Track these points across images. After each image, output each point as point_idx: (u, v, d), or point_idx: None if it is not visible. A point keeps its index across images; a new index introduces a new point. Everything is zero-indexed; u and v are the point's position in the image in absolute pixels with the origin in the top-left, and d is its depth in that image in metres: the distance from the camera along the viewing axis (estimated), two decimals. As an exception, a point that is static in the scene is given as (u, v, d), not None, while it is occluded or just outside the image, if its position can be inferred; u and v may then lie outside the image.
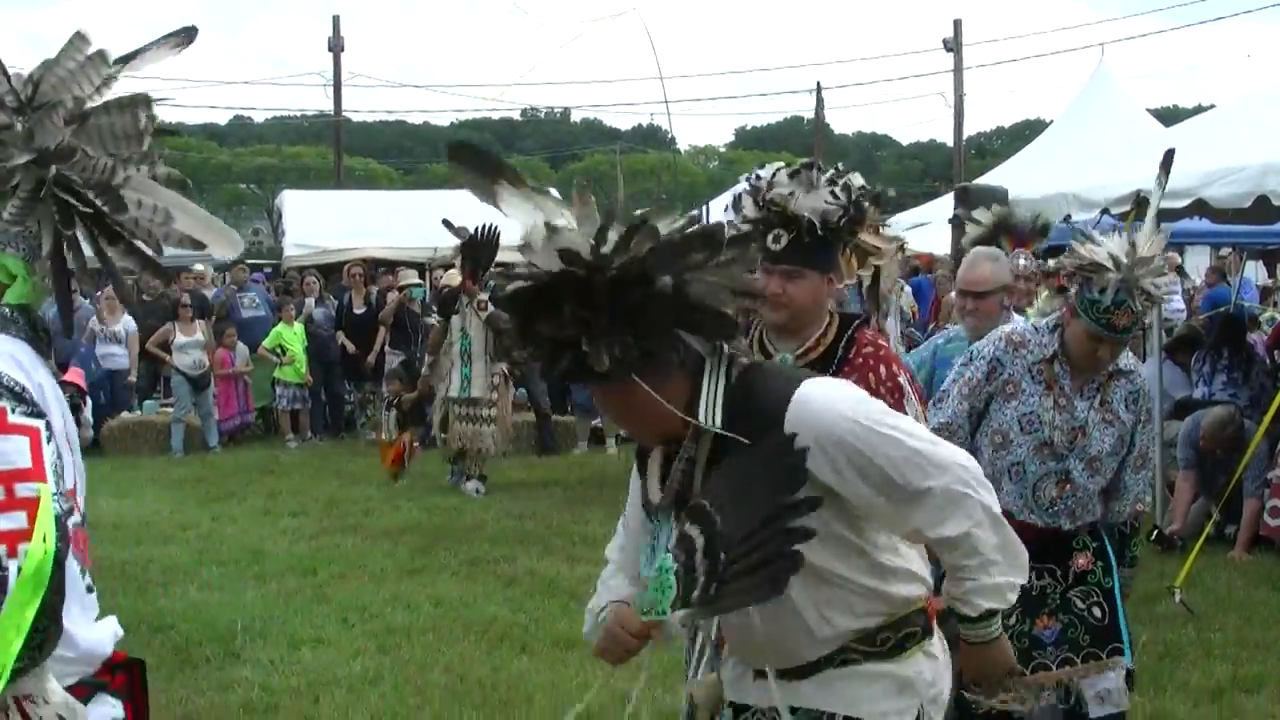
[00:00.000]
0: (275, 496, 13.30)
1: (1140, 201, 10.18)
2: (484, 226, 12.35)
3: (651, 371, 2.85)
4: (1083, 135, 15.62)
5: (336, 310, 18.09)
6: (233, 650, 7.92)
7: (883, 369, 4.03)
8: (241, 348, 17.28)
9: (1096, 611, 5.19)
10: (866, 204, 4.12)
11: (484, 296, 12.64)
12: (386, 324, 17.09)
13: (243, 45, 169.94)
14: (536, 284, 2.75)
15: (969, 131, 46.72)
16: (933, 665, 3.21)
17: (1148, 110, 19.91)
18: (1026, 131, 55.52)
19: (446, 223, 12.91)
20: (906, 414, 3.73)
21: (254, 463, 15.69)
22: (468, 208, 16.84)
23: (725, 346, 2.99)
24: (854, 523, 3.04)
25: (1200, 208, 10.34)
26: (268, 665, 7.69)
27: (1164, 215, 11.18)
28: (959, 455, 3.02)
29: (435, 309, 14.48)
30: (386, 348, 16.98)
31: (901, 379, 4.04)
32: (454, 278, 13.34)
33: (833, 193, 4.01)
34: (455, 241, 13.03)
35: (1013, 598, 3.07)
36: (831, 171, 4.10)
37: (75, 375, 16.56)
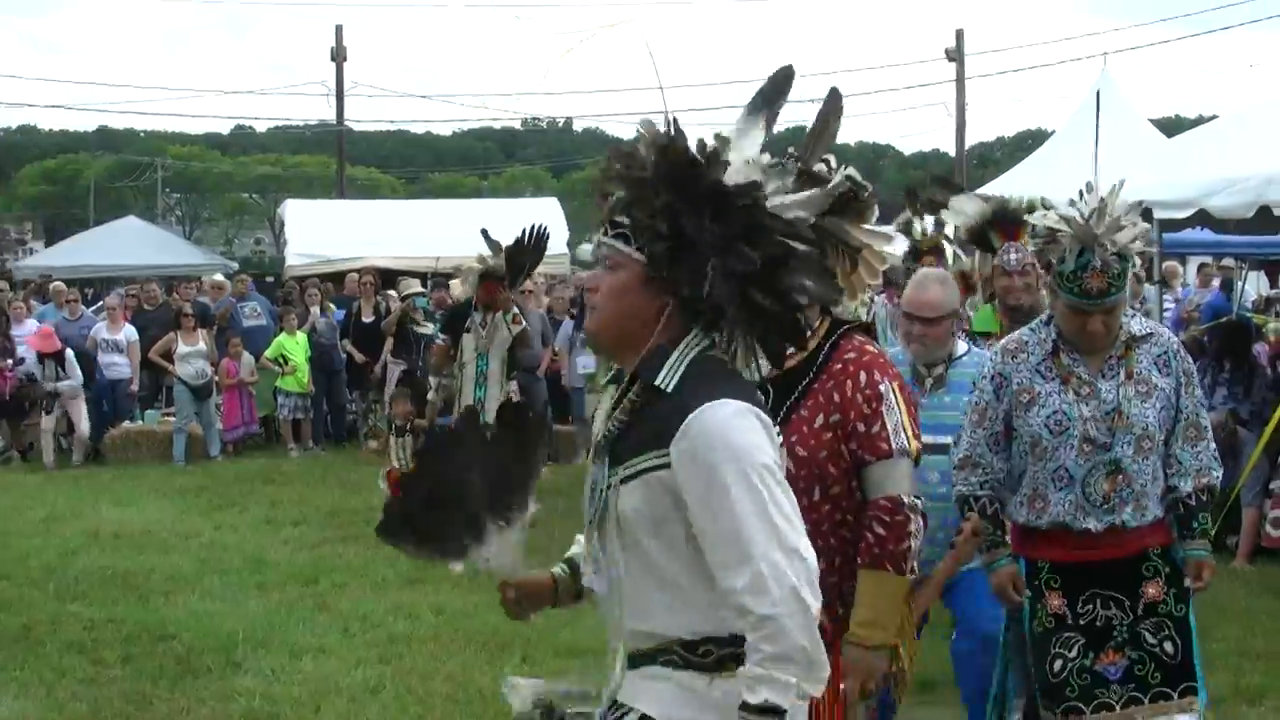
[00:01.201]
0: (277, 506, 13.29)
1: (1144, 212, 10.19)
2: (533, 228, 11.25)
3: (660, 269, 2.88)
4: (1085, 145, 15.63)
5: (344, 319, 18.08)
6: (234, 659, 7.91)
7: (863, 375, 3.87)
8: (246, 357, 17.27)
9: (1168, 646, 4.81)
10: (845, 193, 3.70)
11: (516, 311, 11.78)
12: (389, 333, 17.07)
13: (245, 54, 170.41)
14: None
15: (971, 141, 46.68)
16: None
17: (1150, 120, 19.94)
18: (1029, 141, 55.54)
19: (484, 233, 11.71)
20: (885, 422, 3.86)
21: (256, 472, 15.69)
22: (470, 217, 16.77)
23: (724, 330, 2.92)
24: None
25: (1202, 218, 10.36)
26: (269, 674, 7.68)
27: (1166, 225, 11.25)
28: (804, 544, 2.83)
29: (440, 327, 12.96)
30: (389, 357, 16.97)
31: (884, 386, 3.86)
32: (459, 290, 12.97)
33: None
34: (458, 253, 12.78)
35: (797, 705, 2.83)
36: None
37: (40, 339, 16.53)
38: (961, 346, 5.83)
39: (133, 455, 16.68)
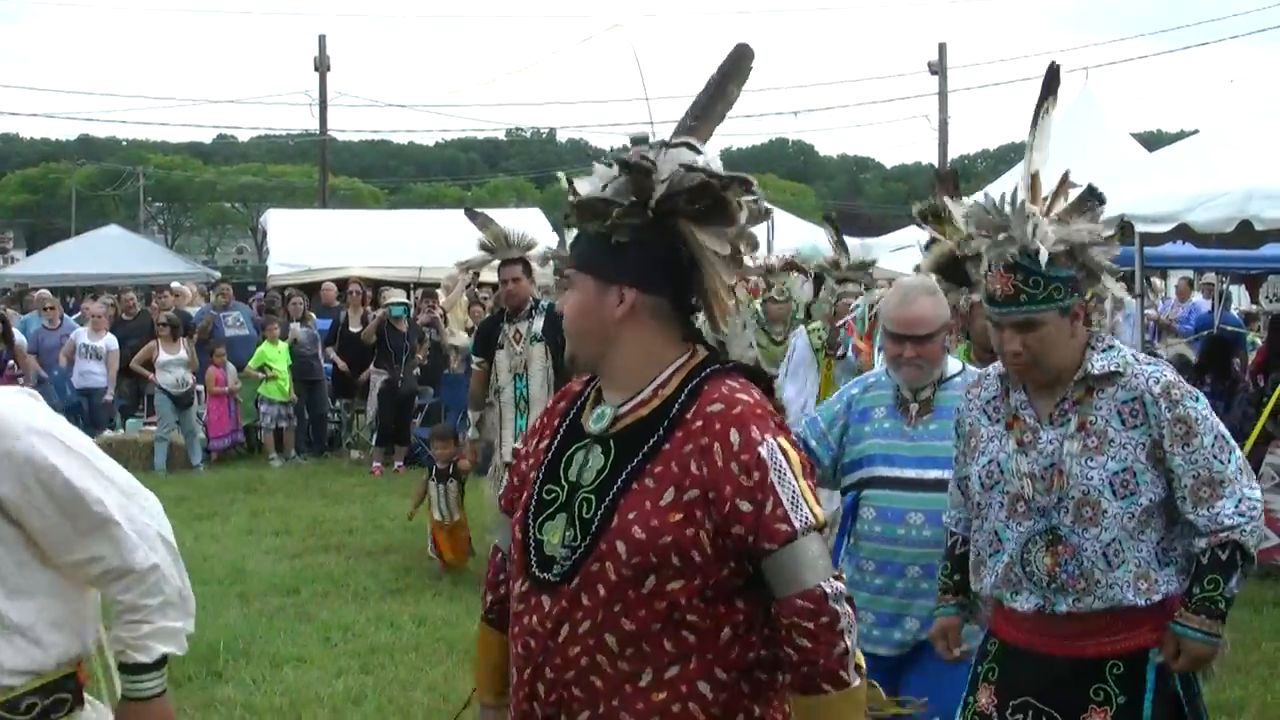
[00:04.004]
0: (258, 515, 13.26)
1: (1124, 225, 10.23)
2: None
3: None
4: (1066, 159, 15.69)
5: (330, 328, 18.04)
6: (215, 669, 7.89)
7: (734, 435, 2.79)
8: (230, 367, 17.25)
9: None
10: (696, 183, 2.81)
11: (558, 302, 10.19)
12: (368, 342, 17.03)
13: (228, 63, 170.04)
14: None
15: (953, 154, 46.94)
16: None
17: (1131, 135, 20.00)
18: (1011, 155, 55.76)
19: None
20: (778, 495, 2.79)
21: (237, 481, 15.65)
22: (453, 228, 16.53)
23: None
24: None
25: (1183, 232, 10.39)
26: (250, 684, 7.67)
27: (1147, 239, 11.30)
28: (148, 498, 2.80)
29: (472, 348, 10.61)
30: (372, 366, 16.95)
31: (766, 446, 2.79)
32: (450, 299, 12.42)
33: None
34: (441, 263, 12.38)
35: (184, 646, 2.76)
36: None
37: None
38: (953, 365, 5.00)
39: (113, 464, 16.59)
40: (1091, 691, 3.73)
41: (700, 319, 2.95)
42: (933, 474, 4.62)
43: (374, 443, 16.87)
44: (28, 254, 50.53)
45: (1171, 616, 3.71)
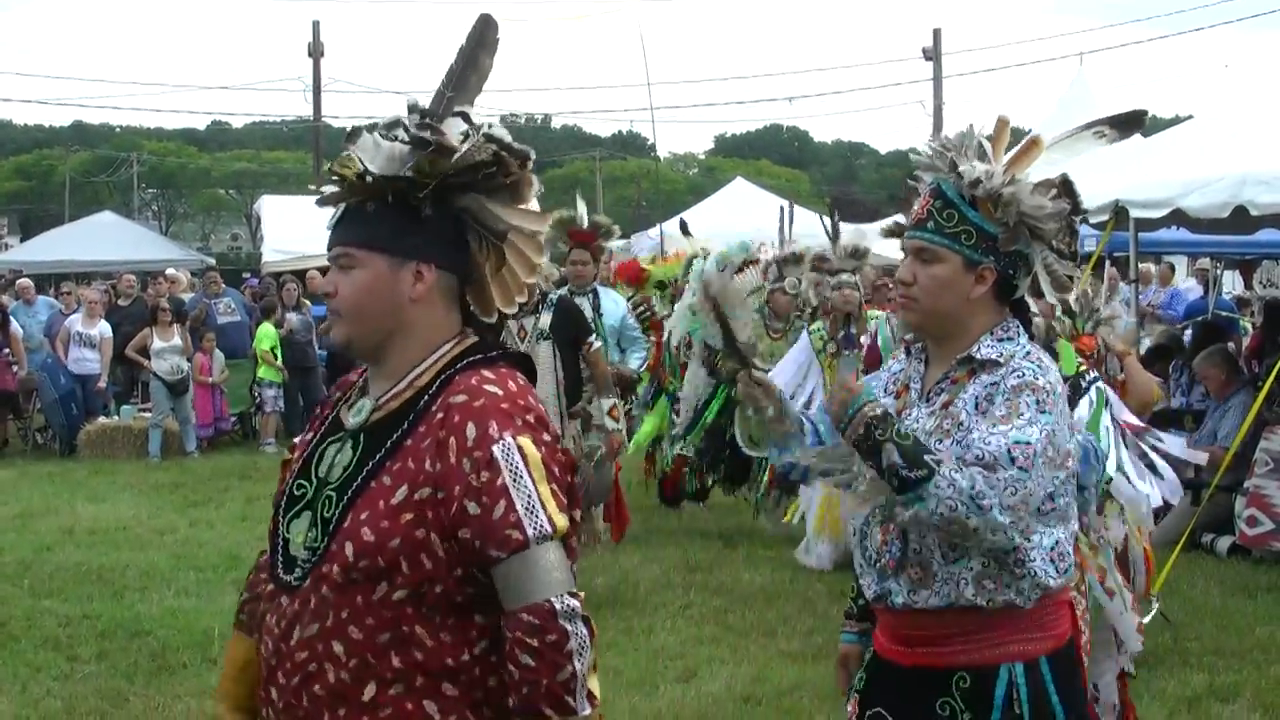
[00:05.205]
0: (253, 501, 13.23)
1: (1119, 211, 10.23)
2: None
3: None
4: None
5: (325, 314, 18.00)
6: (210, 656, 7.88)
7: (471, 430, 2.57)
8: (218, 355, 17.23)
9: None
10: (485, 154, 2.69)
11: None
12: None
13: (221, 50, 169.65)
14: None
15: (948, 140, 46.75)
16: None
17: (1126, 120, 19.96)
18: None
19: None
20: (511, 498, 2.55)
21: (232, 468, 15.64)
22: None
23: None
24: None
25: (1178, 217, 10.38)
26: (245, 671, 7.65)
27: (1142, 225, 11.29)
28: None
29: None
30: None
31: (503, 444, 2.55)
32: None
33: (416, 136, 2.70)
34: None
35: None
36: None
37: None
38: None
39: (108, 451, 16.62)
40: (938, 705, 3.34)
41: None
42: None
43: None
44: (22, 240, 50.49)
45: (1030, 630, 3.32)
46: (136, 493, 13.96)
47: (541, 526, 2.54)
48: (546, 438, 2.64)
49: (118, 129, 80.00)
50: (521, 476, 2.54)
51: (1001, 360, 3.33)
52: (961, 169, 3.41)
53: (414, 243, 2.70)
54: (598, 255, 10.07)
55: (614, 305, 10.36)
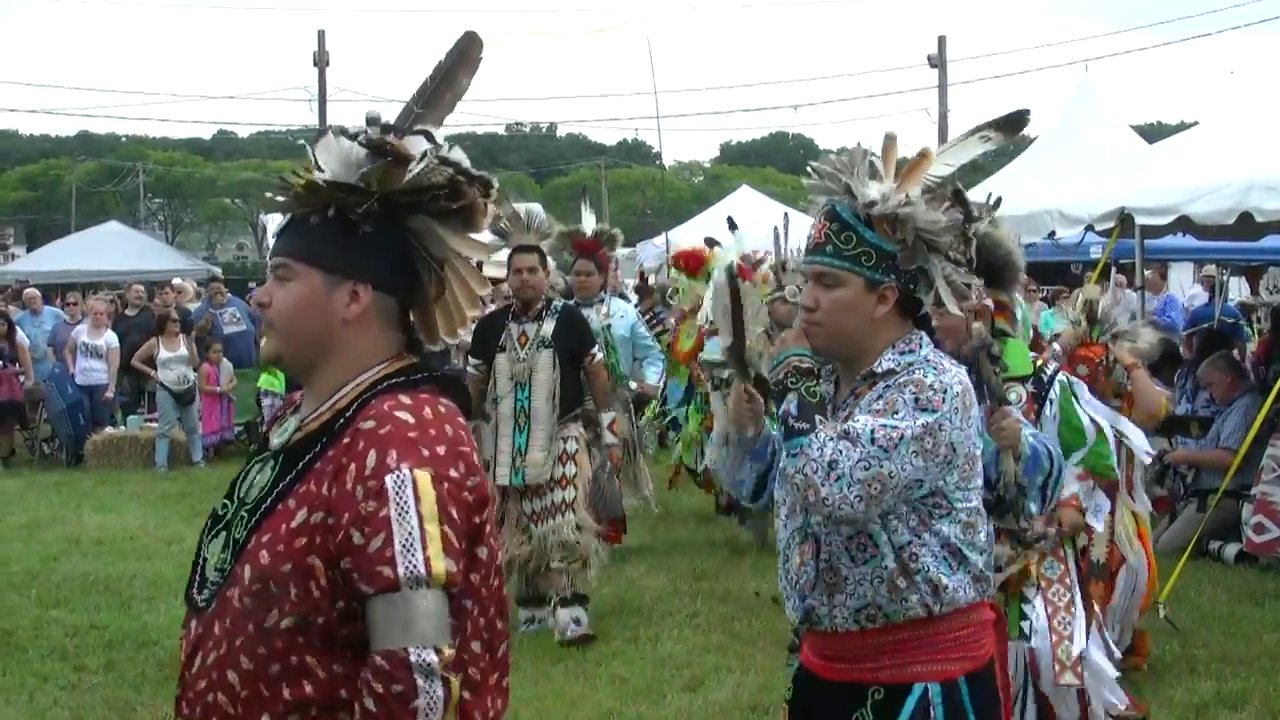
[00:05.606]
0: (259, 511, 13.23)
1: (1124, 218, 10.23)
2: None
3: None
4: (1066, 152, 15.68)
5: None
6: (217, 666, 7.88)
7: (371, 456, 2.42)
8: (225, 364, 17.24)
9: None
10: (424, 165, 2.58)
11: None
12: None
13: (227, 59, 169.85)
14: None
15: (953, 147, 46.77)
16: None
17: (1131, 126, 19.97)
18: (1010, 148, 55.64)
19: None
20: (392, 533, 2.37)
21: (238, 477, 15.61)
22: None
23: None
24: None
25: (1183, 224, 10.38)
26: (252, 681, 7.65)
27: (1147, 232, 11.29)
28: None
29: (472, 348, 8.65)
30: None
31: (398, 475, 2.39)
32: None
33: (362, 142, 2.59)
34: None
35: None
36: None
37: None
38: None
39: (115, 461, 16.64)
40: (853, 717, 3.38)
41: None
42: None
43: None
44: (28, 250, 50.55)
45: (948, 649, 3.35)
46: (143, 502, 13.97)
47: (415, 568, 2.36)
48: (454, 473, 2.46)
49: (124, 139, 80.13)
50: (408, 511, 2.37)
51: (899, 369, 3.37)
52: (855, 190, 3.40)
53: (353, 261, 2.59)
54: (604, 264, 9.98)
55: (623, 316, 10.33)
